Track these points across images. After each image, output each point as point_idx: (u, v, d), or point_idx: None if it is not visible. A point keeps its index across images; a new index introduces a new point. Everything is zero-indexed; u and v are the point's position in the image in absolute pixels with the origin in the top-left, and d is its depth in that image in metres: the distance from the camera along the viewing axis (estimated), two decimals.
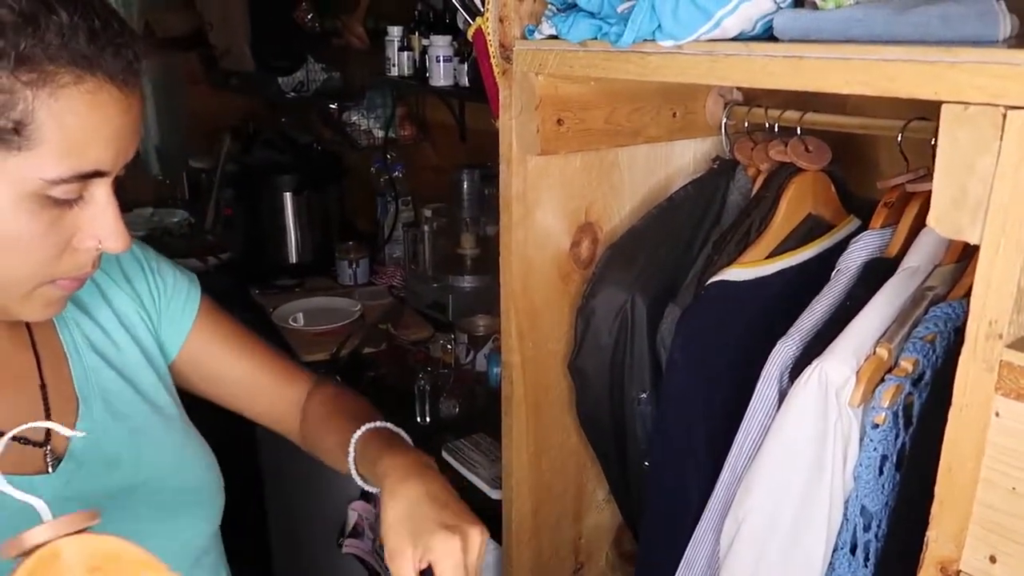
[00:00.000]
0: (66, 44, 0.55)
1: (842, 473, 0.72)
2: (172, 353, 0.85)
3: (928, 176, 0.73)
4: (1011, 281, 0.51)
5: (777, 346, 0.80)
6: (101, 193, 0.61)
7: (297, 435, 0.93)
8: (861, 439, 0.71)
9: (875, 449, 0.70)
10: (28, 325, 0.73)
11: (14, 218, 0.57)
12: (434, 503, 0.66)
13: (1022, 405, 0.52)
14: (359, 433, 0.80)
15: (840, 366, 0.69)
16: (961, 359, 0.54)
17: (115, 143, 0.60)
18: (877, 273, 0.81)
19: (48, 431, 0.69)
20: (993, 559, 0.56)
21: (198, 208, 2.79)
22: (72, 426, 0.71)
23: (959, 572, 0.58)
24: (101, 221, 0.62)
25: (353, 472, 0.81)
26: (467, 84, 1.70)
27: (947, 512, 0.57)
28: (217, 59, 2.57)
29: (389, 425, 0.83)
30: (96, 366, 0.76)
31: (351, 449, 0.80)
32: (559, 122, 0.89)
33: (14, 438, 0.64)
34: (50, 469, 0.69)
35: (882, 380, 0.69)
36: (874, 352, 0.70)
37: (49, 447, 0.69)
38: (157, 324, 0.84)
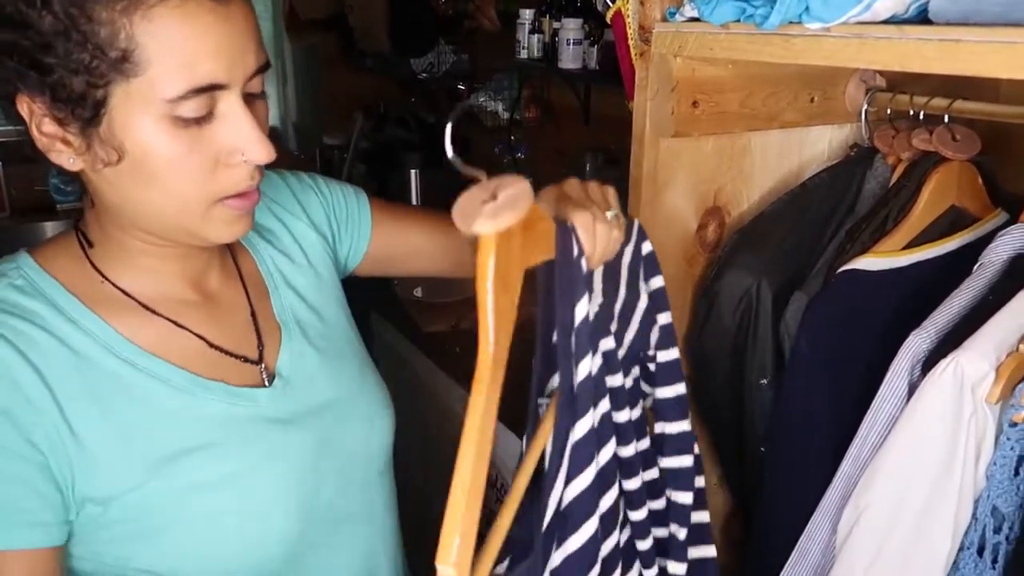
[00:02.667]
0: None
1: (973, 471, 0.70)
2: (356, 260, 0.94)
3: None
4: None
5: (910, 338, 0.78)
6: (231, 107, 0.62)
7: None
8: (997, 437, 0.69)
9: (1012, 448, 0.68)
10: (235, 261, 0.80)
11: (158, 143, 0.61)
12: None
13: None
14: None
15: (978, 360, 0.67)
16: None
17: (223, 54, 0.60)
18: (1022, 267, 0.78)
19: (261, 351, 0.77)
20: None
21: None
22: (277, 351, 0.78)
23: None
24: (238, 134, 0.63)
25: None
26: (596, 67, 1.72)
27: None
28: (355, 41, 2.69)
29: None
30: (289, 297, 0.83)
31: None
32: (694, 104, 0.90)
33: (237, 356, 0.75)
34: (266, 383, 0.76)
35: (1022, 379, 0.67)
36: (1017, 349, 0.68)
37: (263, 365, 0.77)
38: (336, 242, 0.92)
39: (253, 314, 0.79)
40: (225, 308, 0.77)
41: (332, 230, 0.91)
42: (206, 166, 0.63)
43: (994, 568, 0.72)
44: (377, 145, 2.53)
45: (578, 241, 0.62)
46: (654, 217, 0.96)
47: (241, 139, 0.63)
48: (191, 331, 0.73)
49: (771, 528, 0.96)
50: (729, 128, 0.95)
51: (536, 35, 1.95)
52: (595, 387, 0.65)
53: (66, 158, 0.62)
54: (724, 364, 0.99)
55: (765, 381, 0.95)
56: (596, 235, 0.63)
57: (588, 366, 0.63)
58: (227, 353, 0.75)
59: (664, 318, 0.78)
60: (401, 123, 2.56)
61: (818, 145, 1.06)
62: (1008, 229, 0.84)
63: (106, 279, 0.70)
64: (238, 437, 0.72)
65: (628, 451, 0.73)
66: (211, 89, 0.61)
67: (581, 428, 0.63)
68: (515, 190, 0.52)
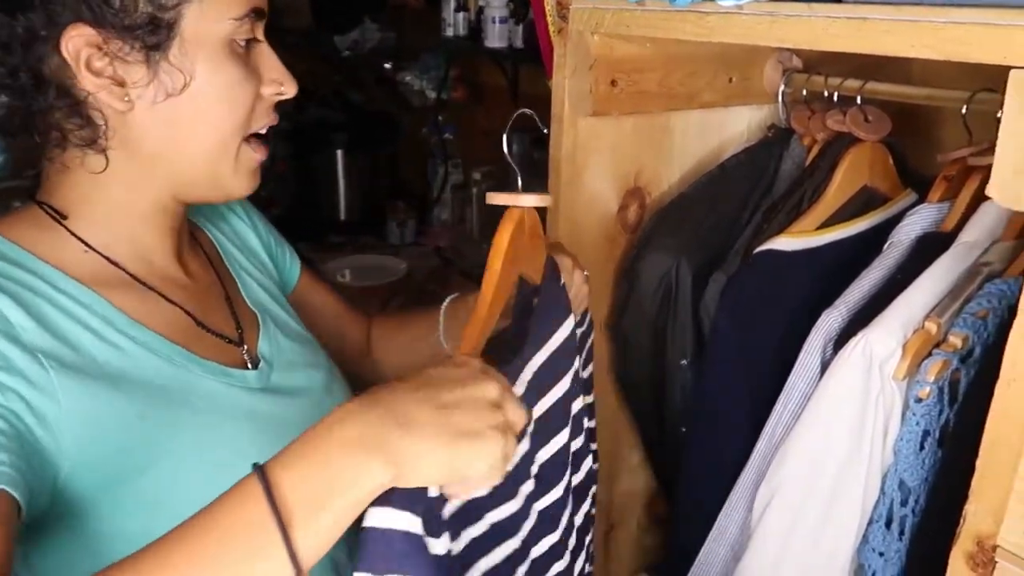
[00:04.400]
0: None
1: (881, 448, 0.71)
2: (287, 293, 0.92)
3: (991, 150, 0.71)
4: None
5: (822, 316, 0.79)
6: (263, 42, 0.67)
7: (369, 358, 0.98)
8: (904, 413, 0.70)
9: (917, 424, 0.69)
10: (204, 250, 0.78)
11: (223, 67, 0.62)
12: None
13: None
14: (445, 304, 0.86)
15: (886, 338, 0.68)
16: (1013, 332, 0.53)
17: None
18: (931, 247, 0.79)
19: (241, 333, 0.74)
20: None
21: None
22: (255, 336, 0.76)
23: (996, 547, 0.57)
24: (273, 65, 0.67)
25: (442, 341, 0.86)
26: (521, 46, 1.70)
27: (988, 486, 0.57)
28: (277, 17, 2.59)
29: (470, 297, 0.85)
30: (256, 289, 0.82)
31: (440, 319, 0.86)
32: (613, 83, 0.89)
33: (219, 335, 0.71)
34: (249, 366, 0.73)
35: (929, 355, 0.68)
36: (923, 326, 0.69)
37: (245, 347, 0.74)
38: (277, 267, 0.91)
39: (228, 298, 0.76)
40: (203, 288, 0.74)
41: (272, 255, 0.90)
42: (251, 97, 0.65)
43: (901, 540, 0.73)
44: (301, 126, 2.45)
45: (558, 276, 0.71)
46: (574, 198, 0.95)
47: (277, 71, 0.67)
48: (180, 307, 0.70)
49: (692, 506, 0.97)
50: (648, 108, 0.95)
51: (461, 13, 1.91)
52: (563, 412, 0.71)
53: (116, 99, 0.60)
54: (645, 345, 0.99)
55: (685, 361, 0.96)
56: (575, 280, 0.75)
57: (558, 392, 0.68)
58: (212, 332, 0.71)
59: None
60: (325, 103, 2.48)
61: (738, 126, 1.07)
62: (916, 208, 0.86)
63: (91, 248, 0.65)
64: (232, 415, 0.68)
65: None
66: (259, 16, 0.64)
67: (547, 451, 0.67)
68: (540, 196, 0.66)
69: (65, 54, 0.58)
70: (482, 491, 0.47)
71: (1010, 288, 0.68)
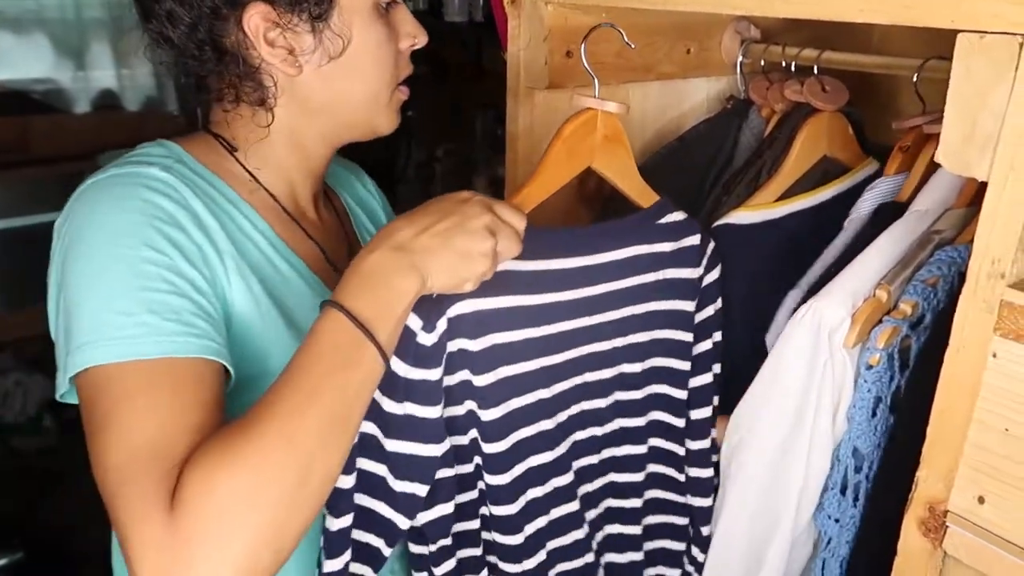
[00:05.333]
0: None
1: (831, 415, 0.71)
2: None
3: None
4: (1017, 219, 0.50)
5: (788, 296, 0.79)
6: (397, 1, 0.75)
7: None
8: (856, 381, 0.71)
9: (868, 391, 0.69)
10: (335, 208, 0.86)
11: (374, 28, 0.70)
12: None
13: (1020, 346, 0.51)
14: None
15: (835, 307, 0.68)
16: (961, 299, 0.54)
17: None
18: (887, 217, 0.79)
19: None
20: (981, 500, 0.56)
21: None
22: None
23: (947, 512, 0.58)
24: (408, 19, 0.75)
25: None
26: (482, 19, 1.67)
27: (938, 452, 0.57)
28: None
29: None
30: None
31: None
32: (568, 55, 0.87)
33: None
34: None
35: (879, 322, 0.68)
36: (873, 294, 0.69)
37: None
38: None
39: (350, 248, 0.83)
40: (332, 235, 0.81)
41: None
42: (394, 52, 0.73)
43: (855, 506, 0.74)
44: None
45: None
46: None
47: (412, 26, 0.75)
48: (318, 244, 0.77)
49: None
50: (605, 80, 0.93)
51: None
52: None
53: (288, 65, 0.68)
54: None
55: None
56: None
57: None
58: (338, 271, 0.74)
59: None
60: None
61: (697, 97, 1.06)
62: (874, 183, 0.86)
63: (255, 180, 0.73)
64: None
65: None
66: None
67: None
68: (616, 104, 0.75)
69: (246, 29, 0.66)
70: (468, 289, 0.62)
71: (960, 255, 0.69)
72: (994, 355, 0.53)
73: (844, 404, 0.70)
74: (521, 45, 0.86)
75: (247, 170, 0.73)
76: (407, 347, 0.62)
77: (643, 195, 0.81)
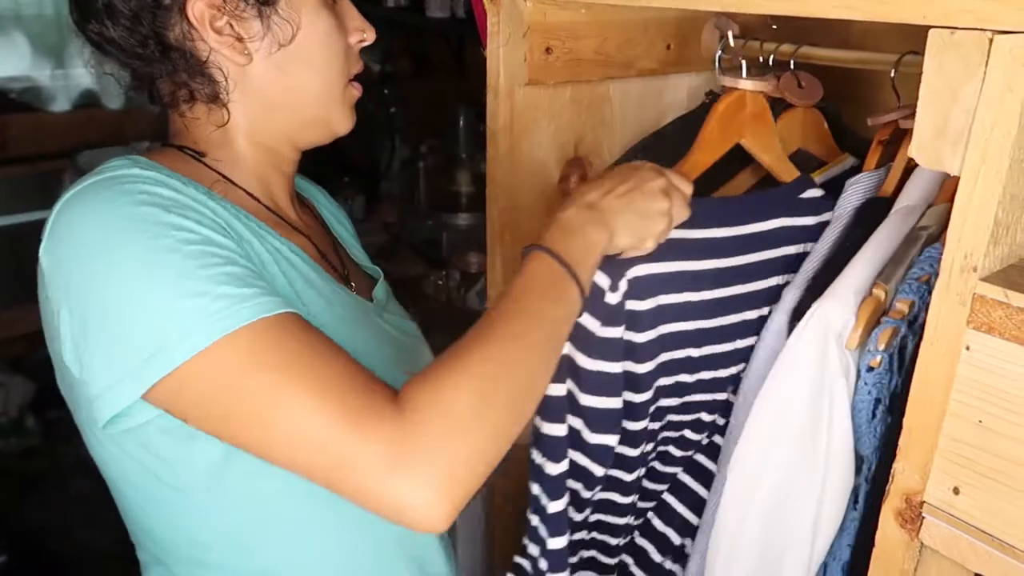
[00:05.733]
0: None
1: (847, 419, 0.70)
2: None
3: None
4: (988, 213, 0.50)
5: (784, 296, 0.79)
6: None
7: None
8: (856, 383, 0.70)
9: (869, 393, 0.69)
10: (311, 211, 0.86)
11: (320, 18, 0.69)
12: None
13: (993, 339, 0.52)
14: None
15: (840, 308, 0.67)
16: (935, 293, 0.54)
17: None
18: (873, 213, 0.79)
19: (347, 276, 0.81)
20: (956, 490, 0.56)
21: None
22: (370, 288, 0.85)
23: (923, 503, 0.58)
24: (354, 15, 0.74)
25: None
26: (464, 15, 1.67)
27: (914, 445, 0.58)
28: None
29: None
30: (359, 253, 0.93)
31: None
32: (547, 51, 0.87)
33: (338, 272, 0.79)
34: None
35: (878, 323, 0.68)
36: (871, 293, 0.69)
37: (353, 286, 0.81)
38: None
39: (334, 243, 0.85)
40: (315, 233, 0.81)
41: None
42: (343, 45, 0.72)
43: (855, 508, 0.73)
44: None
45: None
46: (514, 169, 0.93)
47: (360, 21, 0.74)
48: (309, 238, 0.77)
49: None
50: (585, 76, 0.93)
51: None
52: None
53: (237, 53, 0.66)
54: None
55: None
56: None
57: None
58: (332, 266, 0.79)
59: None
60: None
61: (677, 93, 1.06)
62: (855, 179, 0.86)
63: (229, 180, 0.71)
64: (364, 323, 0.76)
65: None
66: None
67: None
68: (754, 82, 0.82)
69: (191, 18, 0.64)
70: (648, 247, 0.68)
71: None
72: (967, 348, 0.53)
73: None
74: (500, 41, 0.86)
75: (220, 173, 0.70)
76: (597, 306, 0.69)
77: (785, 171, 0.86)
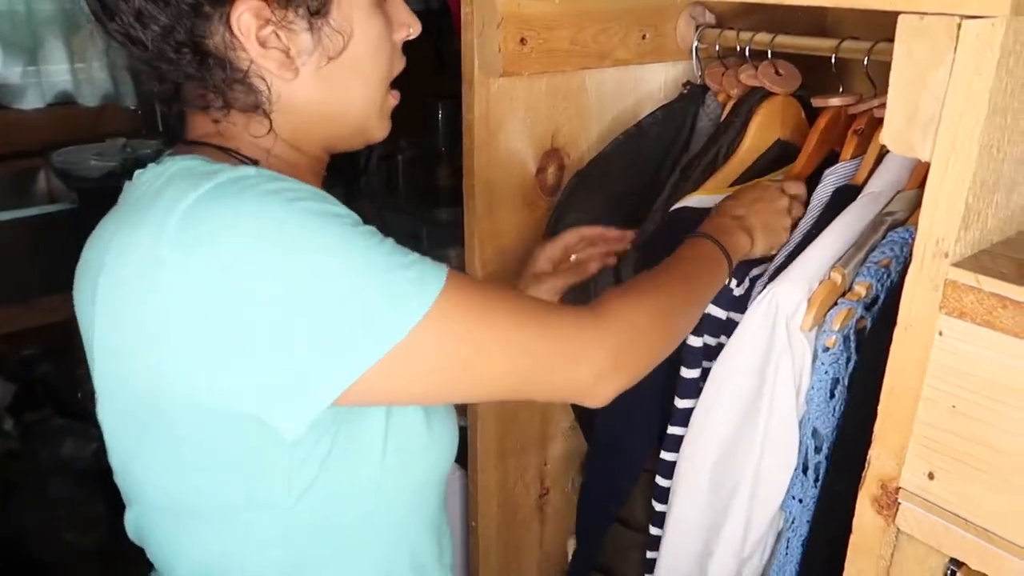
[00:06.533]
0: None
1: (793, 399, 0.72)
2: None
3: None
4: (959, 198, 0.50)
5: (755, 287, 0.79)
6: None
7: None
8: (813, 363, 0.71)
9: (826, 372, 0.70)
10: None
11: (373, 23, 0.64)
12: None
13: (965, 324, 0.52)
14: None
15: (791, 291, 0.69)
16: (907, 278, 0.54)
17: None
18: (843, 200, 0.80)
19: None
20: (931, 475, 0.56)
21: (172, 139, 2.73)
22: None
23: (899, 489, 0.58)
24: (403, 8, 0.69)
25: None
26: (438, 6, 1.65)
27: (889, 431, 0.58)
28: None
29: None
30: None
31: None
32: (522, 41, 0.86)
33: None
34: None
35: (835, 304, 0.69)
36: (828, 277, 0.70)
37: None
38: None
39: None
40: None
41: None
42: (390, 47, 0.68)
43: (816, 485, 0.75)
44: None
45: None
46: (490, 162, 0.93)
47: (407, 14, 0.69)
48: None
49: (600, 466, 0.98)
50: (560, 66, 0.93)
51: None
52: None
53: (284, 69, 0.60)
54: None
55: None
56: None
57: None
58: None
59: None
60: None
61: (653, 83, 1.06)
62: (831, 169, 0.86)
63: None
64: None
65: None
66: None
67: None
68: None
69: (234, 28, 0.57)
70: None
71: (911, 236, 0.69)
72: (940, 333, 0.53)
73: (804, 386, 0.70)
74: (475, 32, 0.85)
75: None
76: (724, 297, 0.80)
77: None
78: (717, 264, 0.75)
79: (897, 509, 0.59)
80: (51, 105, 2.89)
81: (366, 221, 0.59)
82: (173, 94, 0.63)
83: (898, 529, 0.59)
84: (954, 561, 0.57)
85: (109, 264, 0.56)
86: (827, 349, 0.68)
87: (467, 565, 1.14)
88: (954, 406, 0.54)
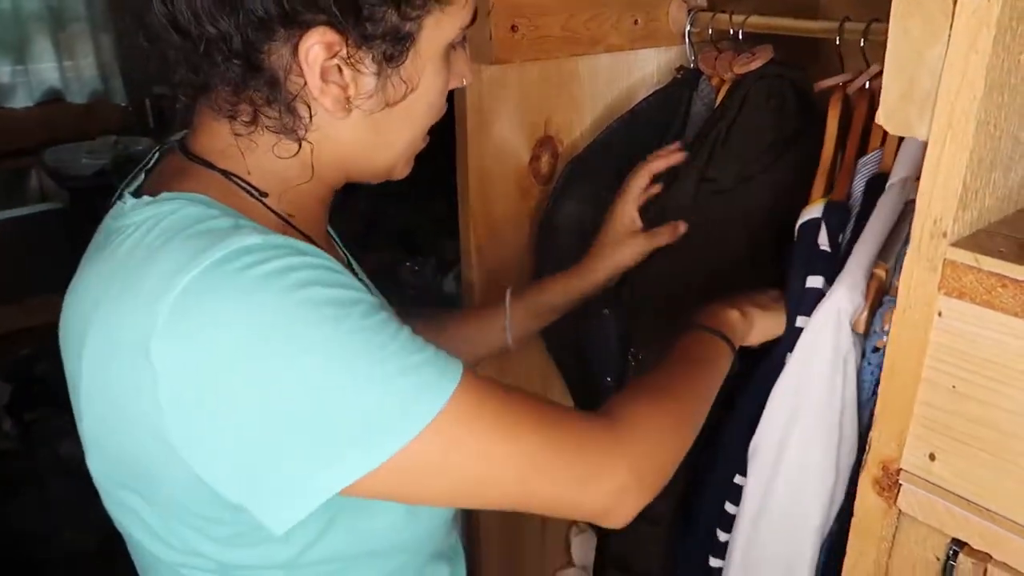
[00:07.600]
0: None
1: (854, 401, 0.72)
2: None
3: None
4: (956, 177, 0.50)
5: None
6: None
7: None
8: (860, 361, 0.71)
9: (872, 373, 0.69)
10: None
11: (440, 74, 0.61)
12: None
13: (964, 304, 0.52)
14: (508, 296, 0.90)
15: (850, 293, 0.68)
16: (906, 259, 0.54)
17: None
18: (876, 191, 0.79)
19: None
20: (932, 456, 0.56)
21: (164, 136, 2.71)
22: None
23: (900, 471, 0.58)
24: (466, 60, 0.66)
25: (508, 328, 0.91)
26: None
27: (889, 413, 0.58)
28: None
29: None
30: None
31: (506, 310, 0.90)
32: (513, 28, 0.86)
33: None
34: None
35: (880, 303, 0.68)
36: (873, 274, 0.69)
37: None
38: None
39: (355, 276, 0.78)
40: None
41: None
42: (444, 98, 0.65)
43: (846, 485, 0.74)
44: None
45: None
46: (483, 150, 0.92)
47: (468, 66, 0.67)
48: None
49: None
50: (552, 53, 0.92)
51: None
52: None
53: (338, 107, 0.56)
54: None
55: (607, 311, 0.95)
56: None
57: None
58: None
59: None
60: None
61: (646, 68, 1.05)
62: (864, 159, 0.85)
63: (290, 224, 0.62)
64: None
65: None
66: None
67: None
68: None
69: (300, 55, 0.53)
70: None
71: None
72: (940, 314, 0.53)
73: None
74: None
75: (280, 215, 0.61)
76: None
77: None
78: (723, 358, 0.75)
79: (898, 491, 0.59)
80: (40, 103, 2.87)
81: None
82: (200, 88, 0.58)
83: (899, 511, 0.59)
84: (956, 541, 0.57)
85: (93, 336, 0.53)
86: (877, 350, 0.67)
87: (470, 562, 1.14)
88: (954, 387, 0.54)
